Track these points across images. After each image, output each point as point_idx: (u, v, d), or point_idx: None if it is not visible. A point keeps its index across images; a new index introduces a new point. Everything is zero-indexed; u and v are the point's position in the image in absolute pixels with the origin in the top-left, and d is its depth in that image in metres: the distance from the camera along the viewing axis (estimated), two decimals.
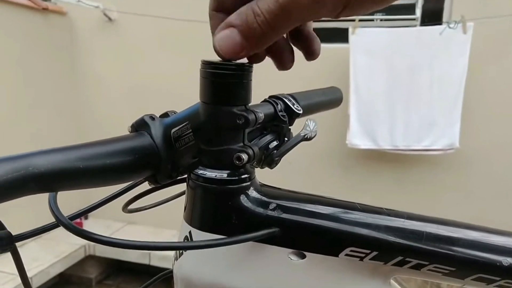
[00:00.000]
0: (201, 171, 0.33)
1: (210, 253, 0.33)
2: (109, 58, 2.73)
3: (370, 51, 2.17)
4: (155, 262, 2.60)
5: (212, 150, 0.32)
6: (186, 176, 0.35)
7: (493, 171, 2.28)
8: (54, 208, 0.28)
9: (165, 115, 0.34)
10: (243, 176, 0.33)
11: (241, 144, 0.32)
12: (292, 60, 0.34)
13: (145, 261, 2.61)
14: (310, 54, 0.33)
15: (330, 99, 0.52)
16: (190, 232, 0.33)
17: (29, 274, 2.25)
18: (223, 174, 0.32)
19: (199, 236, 0.33)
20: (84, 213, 0.35)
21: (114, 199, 0.37)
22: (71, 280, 2.78)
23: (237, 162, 0.31)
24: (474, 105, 2.20)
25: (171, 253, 0.36)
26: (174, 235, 2.70)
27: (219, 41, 0.28)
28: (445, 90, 2.12)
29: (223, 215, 0.32)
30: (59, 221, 0.27)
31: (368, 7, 0.27)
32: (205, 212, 0.33)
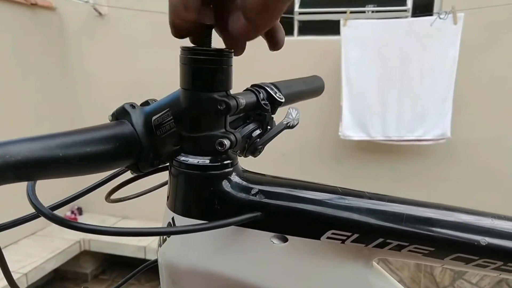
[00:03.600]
0: (183, 158, 0.33)
1: (193, 238, 0.33)
2: (100, 54, 2.70)
3: (361, 43, 2.17)
4: (150, 256, 2.59)
5: (193, 137, 0.32)
6: (168, 164, 0.35)
7: (484, 160, 2.30)
8: (32, 197, 0.27)
9: (145, 103, 0.34)
10: (225, 162, 0.33)
11: (223, 130, 0.32)
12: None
13: (140, 255, 2.61)
14: (274, 44, 0.33)
15: (312, 87, 0.52)
16: (173, 218, 0.34)
17: (24, 270, 2.25)
18: (205, 160, 0.32)
19: (182, 221, 0.33)
20: (65, 203, 0.35)
21: (96, 188, 0.37)
22: (67, 275, 2.78)
23: (219, 148, 0.31)
24: (465, 95, 2.21)
25: None
26: None
27: (230, 22, 0.28)
28: (436, 81, 2.13)
29: (205, 201, 0.33)
30: (38, 211, 0.27)
31: None
32: (187, 198, 0.33)
